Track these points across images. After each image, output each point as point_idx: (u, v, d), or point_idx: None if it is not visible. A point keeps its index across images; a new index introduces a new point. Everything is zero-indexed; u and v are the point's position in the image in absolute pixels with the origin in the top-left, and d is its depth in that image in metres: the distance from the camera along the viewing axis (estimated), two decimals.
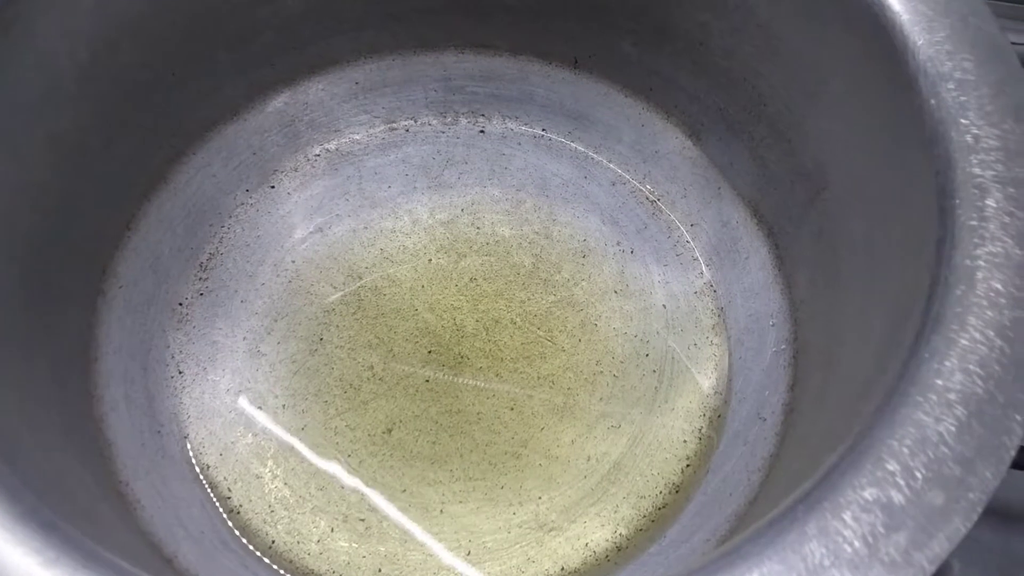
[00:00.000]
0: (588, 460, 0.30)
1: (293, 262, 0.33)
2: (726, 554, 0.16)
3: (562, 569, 0.28)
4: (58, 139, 0.27)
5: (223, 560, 0.27)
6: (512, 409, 0.31)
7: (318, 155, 0.36)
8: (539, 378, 0.31)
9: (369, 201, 0.35)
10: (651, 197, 0.35)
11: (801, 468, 0.24)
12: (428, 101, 0.37)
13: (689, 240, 0.34)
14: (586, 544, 0.29)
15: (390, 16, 0.34)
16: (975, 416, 0.18)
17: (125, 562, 0.18)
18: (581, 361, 0.32)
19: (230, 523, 0.29)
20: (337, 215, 0.34)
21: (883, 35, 0.24)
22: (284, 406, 0.31)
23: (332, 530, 0.29)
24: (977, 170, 0.21)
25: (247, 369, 0.31)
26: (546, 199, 0.35)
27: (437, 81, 0.36)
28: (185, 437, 0.30)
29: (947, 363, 0.18)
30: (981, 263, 0.19)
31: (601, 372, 0.32)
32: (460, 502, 0.29)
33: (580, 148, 0.37)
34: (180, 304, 0.32)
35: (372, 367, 0.31)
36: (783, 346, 0.30)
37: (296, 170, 0.35)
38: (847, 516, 0.17)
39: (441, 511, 0.29)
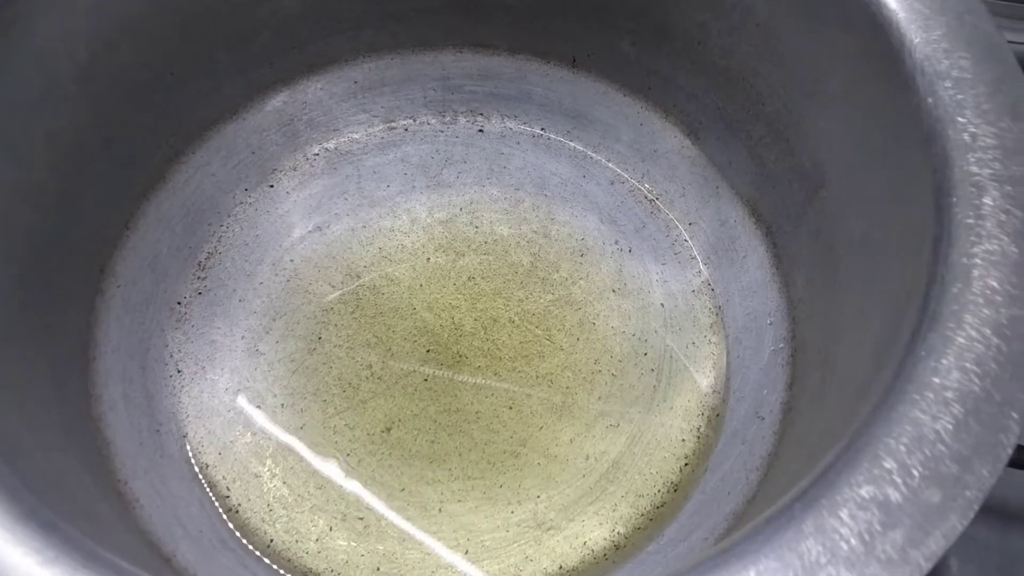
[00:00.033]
0: (587, 459, 0.30)
1: (292, 261, 0.33)
2: (723, 552, 0.16)
3: (560, 568, 0.28)
4: (57, 138, 0.27)
5: (222, 559, 0.27)
6: (511, 408, 0.31)
7: (317, 154, 0.36)
8: (537, 377, 0.31)
9: (368, 200, 0.35)
10: (649, 196, 0.35)
11: (799, 467, 0.24)
12: (427, 100, 0.37)
13: (687, 239, 0.34)
14: (584, 543, 0.29)
15: (389, 15, 0.34)
16: (972, 414, 0.18)
17: (124, 561, 0.18)
18: (579, 360, 0.32)
19: (229, 522, 0.29)
20: (336, 214, 0.35)
21: (880, 34, 0.24)
22: (283, 405, 0.31)
23: (331, 529, 0.29)
24: (974, 168, 0.21)
25: (246, 368, 0.31)
26: (544, 198, 0.35)
27: (436, 80, 0.36)
28: (184, 436, 0.30)
29: (944, 361, 0.18)
30: (978, 261, 0.20)
31: (599, 371, 0.32)
32: (459, 501, 0.29)
33: (579, 147, 0.37)
34: (179, 303, 0.32)
35: (371, 366, 0.31)
36: (781, 345, 0.30)
37: (295, 169, 0.35)
38: (844, 514, 0.17)
39: (440, 510, 0.29)
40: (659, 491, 0.30)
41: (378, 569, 0.28)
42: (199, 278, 0.33)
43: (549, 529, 0.29)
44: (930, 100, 0.22)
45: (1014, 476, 0.28)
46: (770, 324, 0.31)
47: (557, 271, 0.34)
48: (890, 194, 0.24)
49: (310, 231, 0.34)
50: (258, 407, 0.31)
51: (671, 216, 0.35)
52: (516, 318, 0.33)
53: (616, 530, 0.29)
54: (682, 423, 0.31)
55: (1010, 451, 0.17)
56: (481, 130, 0.37)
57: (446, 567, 0.28)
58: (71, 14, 0.27)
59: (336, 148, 0.36)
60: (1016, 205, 0.20)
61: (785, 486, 0.21)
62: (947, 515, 0.17)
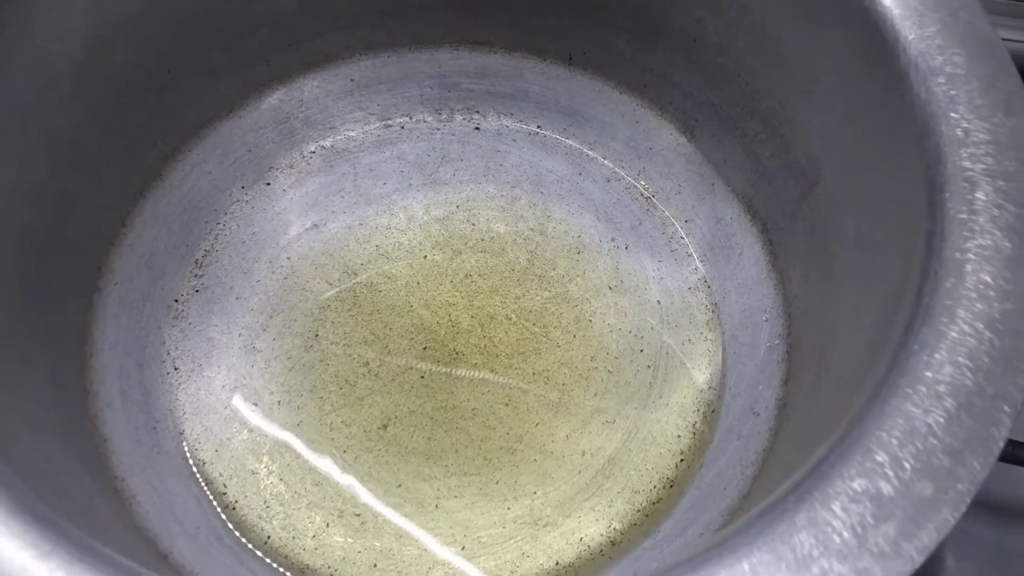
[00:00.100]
0: (583, 455, 0.30)
1: (288, 259, 0.34)
2: (717, 545, 0.17)
3: (556, 563, 0.28)
4: (54, 137, 0.27)
5: (218, 556, 0.27)
6: (507, 405, 0.31)
7: (313, 152, 0.36)
8: (534, 374, 0.31)
9: (364, 198, 0.35)
10: (646, 193, 0.36)
11: (794, 462, 0.24)
12: (423, 98, 0.37)
13: (683, 236, 0.34)
14: (580, 539, 0.29)
15: (385, 13, 0.34)
16: (964, 408, 0.18)
17: (120, 556, 0.18)
18: (576, 357, 0.32)
19: (225, 519, 0.29)
20: (332, 212, 0.35)
21: (874, 30, 0.24)
22: (279, 402, 0.31)
23: (327, 525, 0.29)
24: (967, 164, 0.21)
25: (242, 365, 0.31)
26: (541, 196, 0.35)
27: (432, 78, 0.36)
28: (181, 433, 0.30)
29: (937, 355, 0.18)
30: (971, 256, 0.20)
31: (596, 368, 0.32)
32: (455, 497, 0.29)
33: (575, 145, 0.37)
34: (176, 301, 0.32)
35: (367, 363, 0.31)
36: (776, 341, 0.30)
37: (291, 167, 0.35)
38: (836, 507, 0.17)
39: (436, 506, 0.29)
40: (655, 487, 0.30)
41: (375, 565, 0.28)
42: (196, 276, 0.33)
43: (545, 525, 0.29)
44: (924, 96, 0.22)
45: (1009, 472, 0.28)
46: (766, 320, 0.31)
47: (554, 268, 0.34)
48: (884, 190, 0.24)
49: (307, 229, 0.34)
50: (255, 404, 0.31)
51: (667, 213, 0.35)
52: (513, 315, 0.33)
53: (612, 526, 0.29)
54: (678, 419, 0.31)
55: (1002, 444, 0.17)
56: (477, 128, 0.37)
57: (442, 563, 0.28)
58: (68, 13, 0.27)
59: (333, 146, 0.36)
60: (1009, 200, 0.20)
61: (780, 482, 0.21)
62: (939, 508, 0.17)
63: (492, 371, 0.31)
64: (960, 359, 0.18)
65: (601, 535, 0.29)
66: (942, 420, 0.18)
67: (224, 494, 0.29)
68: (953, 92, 0.22)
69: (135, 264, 0.31)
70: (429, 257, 0.34)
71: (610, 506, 0.29)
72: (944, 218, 0.20)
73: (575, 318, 0.33)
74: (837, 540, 0.16)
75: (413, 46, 0.36)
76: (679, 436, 0.31)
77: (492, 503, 0.29)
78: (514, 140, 0.37)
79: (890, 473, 0.17)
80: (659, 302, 0.33)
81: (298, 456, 0.30)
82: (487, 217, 0.35)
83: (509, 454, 0.30)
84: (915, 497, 0.17)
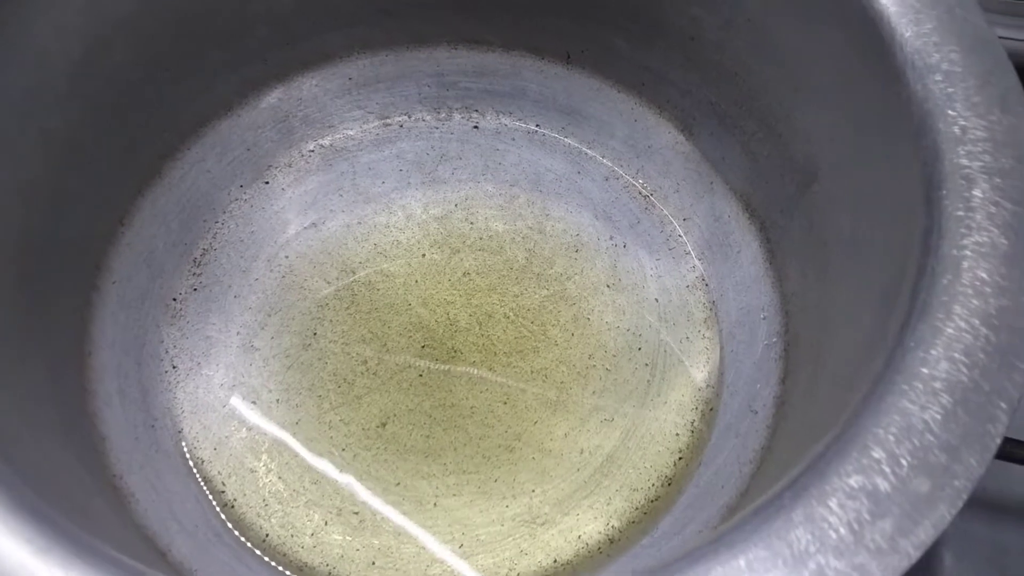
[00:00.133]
0: (581, 453, 0.30)
1: (287, 257, 0.34)
2: (713, 541, 0.17)
3: (555, 561, 0.28)
4: (52, 136, 0.27)
5: (217, 553, 0.27)
6: (505, 403, 0.31)
7: (312, 151, 0.36)
8: (532, 372, 0.31)
9: (363, 196, 0.35)
10: (644, 192, 0.36)
11: (792, 460, 0.24)
12: (421, 97, 0.37)
13: (681, 234, 0.35)
14: (579, 536, 0.29)
15: (383, 11, 0.34)
16: (961, 404, 0.18)
17: (118, 553, 0.18)
18: (574, 355, 0.32)
19: (224, 517, 0.29)
20: (331, 210, 0.35)
21: (871, 28, 0.24)
22: (278, 401, 0.31)
23: (326, 523, 0.29)
24: (964, 161, 0.21)
25: (241, 364, 0.31)
26: (539, 194, 0.35)
27: (430, 77, 0.36)
28: (179, 432, 0.30)
29: (933, 352, 0.18)
30: (968, 252, 0.20)
31: (594, 366, 0.32)
32: (454, 495, 0.29)
33: (573, 143, 0.37)
34: (174, 299, 0.32)
35: (366, 361, 0.31)
36: (774, 339, 0.30)
37: (290, 166, 0.35)
38: (833, 503, 0.17)
39: (435, 504, 0.29)
40: (653, 485, 0.30)
41: (373, 563, 0.28)
42: (194, 274, 0.33)
43: (544, 523, 0.29)
44: (920, 93, 0.22)
45: (1005, 470, 0.28)
46: (763, 318, 0.31)
47: (552, 267, 0.34)
48: (881, 187, 0.24)
49: (305, 227, 0.34)
50: (253, 403, 0.31)
51: (665, 212, 0.35)
52: (511, 314, 0.33)
53: (610, 524, 0.29)
54: (676, 417, 0.31)
55: (998, 440, 0.17)
56: (476, 126, 0.37)
57: (441, 561, 0.28)
58: (66, 12, 0.27)
59: (331, 144, 0.36)
60: (1005, 197, 0.20)
61: (778, 479, 0.21)
62: (936, 504, 0.17)
63: (490, 369, 0.31)
64: (956, 355, 0.18)
65: (599, 533, 0.29)
66: (939, 417, 0.18)
67: (223, 492, 0.29)
68: (950, 89, 0.22)
69: (133, 263, 0.31)
70: (427, 255, 0.34)
71: (608, 504, 0.29)
72: (941, 215, 0.20)
73: (573, 316, 0.33)
74: (834, 536, 0.16)
75: (411, 45, 0.36)
76: (677, 434, 0.31)
77: (490, 501, 0.29)
78: (512, 139, 0.37)
79: (887, 470, 0.17)
80: (657, 300, 0.33)
81: (296, 454, 0.30)
82: (485, 215, 0.35)
83: (507, 452, 0.30)
84: (912, 493, 0.17)
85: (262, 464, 0.30)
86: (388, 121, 0.37)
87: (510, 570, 0.28)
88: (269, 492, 0.29)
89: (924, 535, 0.17)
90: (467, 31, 0.35)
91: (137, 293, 0.31)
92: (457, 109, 0.37)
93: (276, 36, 0.33)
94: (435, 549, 0.28)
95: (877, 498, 0.17)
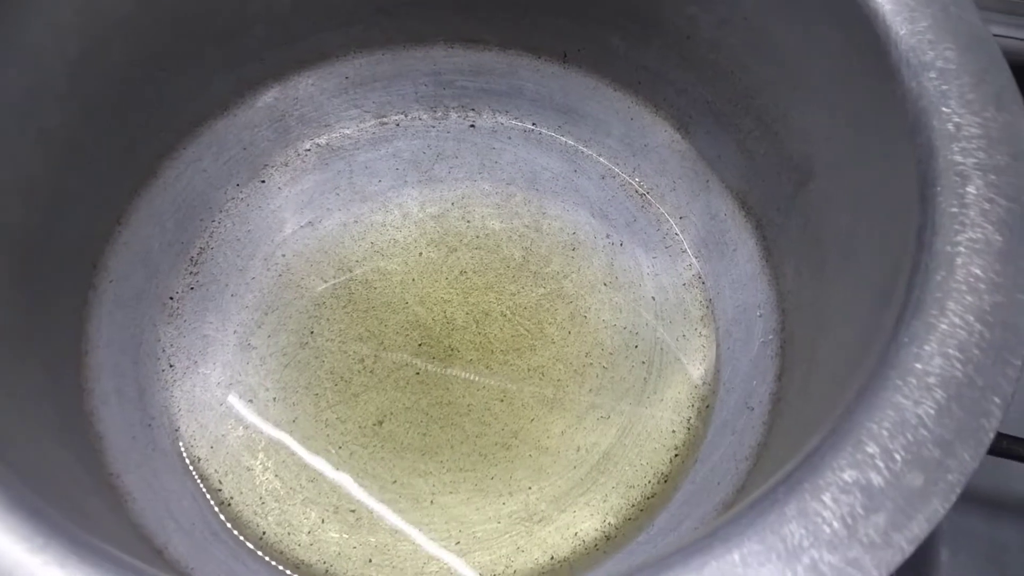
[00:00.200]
0: (578, 451, 0.30)
1: (283, 256, 0.34)
2: (707, 536, 0.17)
3: (552, 558, 0.28)
4: (49, 135, 0.27)
5: (214, 552, 0.27)
6: (502, 401, 0.31)
7: (308, 150, 0.36)
8: (529, 370, 0.31)
9: (359, 195, 0.35)
10: (640, 190, 0.36)
11: (788, 456, 0.24)
12: (418, 95, 0.37)
13: (678, 232, 0.35)
14: (576, 533, 0.29)
15: (380, 10, 0.34)
16: (954, 399, 0.18)
17: (114, 550, 0.18)
18: (571, 353, 0.32)
19: (221, 515, 0.29)
20: (327, 209, 0.35)
21: (866, 26, 0.24)
22: (275, 399, 0.31)
23: (323, 521, 0.29)
24: (958, 158, 0.21)
25: (238, 362, 0.31)
26: (536, 192, 0.35)
27: (427, 75, 0.36)
28: (176, 430, 0.30)
29: (927, 347, 0.18)
30: (961, 249, 0.20)
31: (591, 364, 0.32)
32: (450, 493, 0.29)
33: (570, 142, 0.37)
34: (170, 298, 0.32)
35: (363, 360, 0.31)
36: (770, 336, 0.30)
37: (286, 165, 0.36)
38: (826, 498, 0.17)
39: (431, 502, 0.29)
40: (649, 482, 0.30)
41: (370, 561, 0.28)
42: (191, 273, 0.33)
43: (540, 520, 0.29)
44: (915, 91, 0.22)
45: (1003, 466, 0.28)
46: (760, 316, 0.31)
47: (549, 265, 0.34)
48: (876, 185, 0.24)
49: (302, 226, 0.34)
50: (250, 401, 0.31)
51: (662, 210, 0.35)
52: (508, 312, 0.33)
53: (607, 521, 0.29)
54: (672, 414, 0.31)
55: (992, 435, 0.17)
56: (472, 125, 0.37)
57: (437, 559, 0.28)
58: (62, 11, 0.27)
59: (327, 143, 0.36)
60: (1000, 194, 0.20)
61: (774, 475, 0.21)
62: (929, 499, 0.17)
63: (487, 367, 0.31)
64: (950, 351, 0.18)
65: (596, 530, 0.29)
66: (932, 412, 0.18)
67: (219, 490, 0.29)
68: (944, 87, 0.22)
69: (130, 262, 0.31)
70: (424, 254, 0.34)
71: (605, 501, 0.29)
72: (935, 212, 0.20)
73: (570, 314, 0.33)
74: (827, 530, 0.16)
75: (408, 44, 0.36)
76: (673, 431, 0.31)
77: (487, 499, 0.29)
78: (509, 137, 0.37)
79: (880, 464, 0.17)
80: (654, 298, 0.33)
81: (293, 452, 0.30)
82: (482, 214, 0.35)
83: (504, 450, 0.30)
84: (905, 488, 0.17)
85: (259, 462, 0.30)
86: (385, 120, 0.37)
87: (507, 567, 0.28)
88: (266, 490, 0.29)
89: (918, 529, 0.17)
90: (464, 30, 0.36)
91: (134, 292, 0.31)
92: (454, 108, 0.37)
93: (274, 35, 0.33)
94: (432, 546, 0.28)
95: (871, 492, 0.17)
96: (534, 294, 0.33)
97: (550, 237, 0.34)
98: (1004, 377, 0.18)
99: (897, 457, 0.17)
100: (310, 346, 0.32)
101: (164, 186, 0.32)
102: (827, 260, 0.27)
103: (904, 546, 0.16)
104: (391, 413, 0.30)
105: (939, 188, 0.21)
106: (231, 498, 0.29)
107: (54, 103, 0.27)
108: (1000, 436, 0.25)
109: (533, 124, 0.37)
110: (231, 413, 0.30)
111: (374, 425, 0.30)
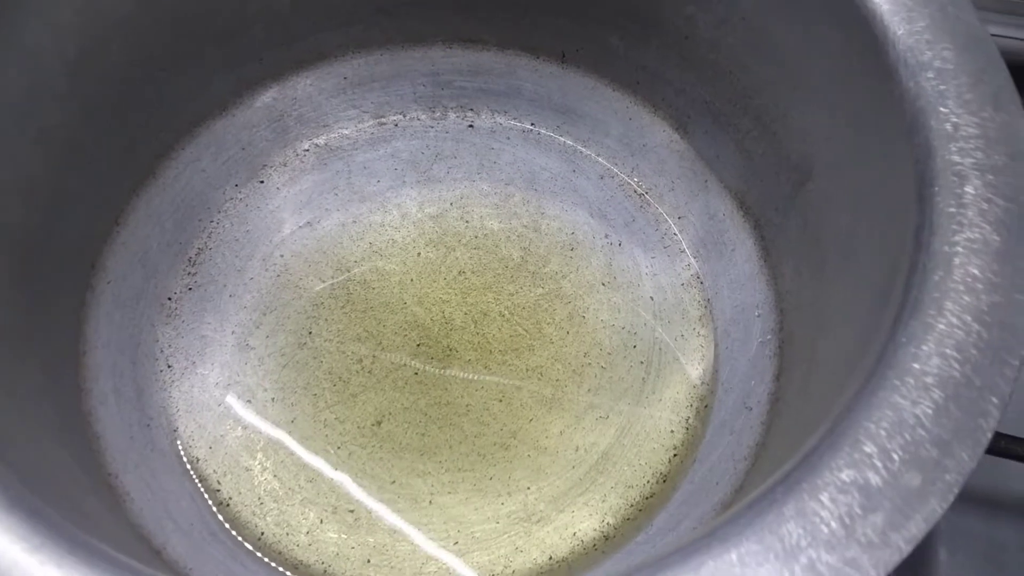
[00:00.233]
0: (576, 451, 0.30)
1: (282, 256, 0.34)
2: (705, 535, 0.17)
3: (550, 558, 0.28)
4: (48, 135, 0.27)
5: (212, 552, 0.27)
6: (501, 401, 0.31)
7: (307, 150, 0.36)
8: (527, 370, 0.31)
9: (358, 195, 0.35)
10: (639, 190, 0.36)
11: (786, 456, 0.24)
12: (417, 96, 0.37)
13: (676, 232, 0.35)
14: (574, 533, 0.29)
15: (378, 11, 0.34)
16: (952, 399, 0.18)
17: (112, 550, 0.18)
18: (569, 353, 0.32)
19: (219, 515, 0.29)
20: (326, 209, 0.35)
21: (864, 26, 0.24)
22: (273, 399, 0.31)
23: (321, 522, 0.29)
24: (956, 158, 0.21)
25: (236, 363, 0.31)
26: (535, 193, 0.35)
27: (425, 76, 0.36)
28: (174, 430, 0.30)
29: (924, 347, 0.18)
30: (959, 249, 0.20)
31: (589, 364, 0.32)
32: (449, 493, 0.29)
33: (568, 142, 0.37)
34: (169, 299, 0.32)
35: (361, 360, 0.31)
36: (769, 336, 0.30)
37: (285, 165, 0.36)
38: (824, 497, 0.17)
39: (430, 502, 0.29)
40: (648, 482, 0.30)
41: (368, 561, 0.28)
42: (189, 273, 0.33)
43: (539, 520, 0.29)
44: (913, 91, 0.22)
45: (1001, 466, 0.28)
46: (758, 316, 0.31)
47: (547, 265, 0.34)
48: (874, 185, 0.24)
49: (300, 226, 0.34)
50: (248, 401, 0.31)
51: (660, 210, 0.35)
52: (506, 312, 0.33)
53: (606, 521, 0.29)
54: (671, 415, 0.31)
55: (990, 435, 0.17)
56: (471, 125, 0.37)
57: (436, 559, 0.28)
58: (61, 12, 0.27)
59: (326, 144, 0.36)
60: (997, 194, 0.20)
61: (772, 475, 0.21)
62: (927, 499, 0.17)
63: (486, 367, 0.31)
64: (948, 351, 0.18)
65: (594, 530, 0.29)
66: (930, 411, 0.18)
67: (218, 491, 0.29)
68: (942, 87, 0.22)
69: (128, 262, 0.31)
70: (423, 254, 0.34)
71: (603, 501, 0.29)
72: (933, 212, 0.20)
73: (568, 314, 0.33)
74: (825, 530, 0.16)
75: (406, 44, 0.36)
76: (672, 431, 0.31)
77: (486, 499, 0.29)
78: (507, 138, 0.37)
79: (878, 464, 0.17)
80: (652, 298, 0.33)
81: (292, 453, 0.30)
82: (481, 214, 0.35)
83: (503, 450, 0.30)
84: (903, 488, 0.17)
85: (257, 463, 0.30)
86: (383, 120, 0.37)
87: (505, 567, 0.28)
88: (264, 491, 0.29)
89: (915, 529, 0.17)
90: (462, 30, 0.36)
91: (132, 292, 0.31)
92: (452, 108, 0.37)
93: (273, 35, 0.33)
94: (430, 547, 0.28)
95: (868, 492, 0.17)
96: (532, 294, 0.33)
97: (548, 237, 0.34)
98: (1002, 377, 0.18)
99: (895, 457, 0.17)
100: (308, 346, 0.32)
101: (162, 186, 0.32)
102: (825, 260, 0.27)
103: (902, 546, 0.16)
104: (389, 413, 0.30)
105: (937, 188, 0.21)
106: (229, 498, 0.29)
107: (54, 103, 0.27)
108: (998, 436, 0.25)
109: (532, 124, 0.37)
110: (229, 413, 0.30)
111: (372, 425, 0.30)
